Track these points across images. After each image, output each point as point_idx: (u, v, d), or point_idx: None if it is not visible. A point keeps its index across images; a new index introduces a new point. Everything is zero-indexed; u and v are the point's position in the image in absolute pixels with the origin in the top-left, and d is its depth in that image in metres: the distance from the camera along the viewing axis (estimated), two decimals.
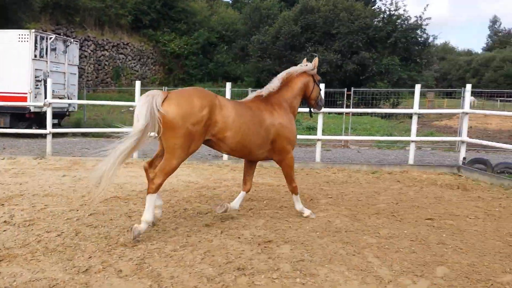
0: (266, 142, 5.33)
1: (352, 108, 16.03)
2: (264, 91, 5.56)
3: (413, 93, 10.33)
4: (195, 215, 5.91)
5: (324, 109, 9.99)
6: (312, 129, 17.04)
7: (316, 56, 6.07)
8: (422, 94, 25.49)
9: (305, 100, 6.09)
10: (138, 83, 10.41)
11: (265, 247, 4.67)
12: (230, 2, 50.31)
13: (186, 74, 35.18)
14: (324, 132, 18.31)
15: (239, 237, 5.00)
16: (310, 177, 8.91)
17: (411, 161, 10.10)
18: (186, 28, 35.16)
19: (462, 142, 10.24)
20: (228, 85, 10.64)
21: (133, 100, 11.08)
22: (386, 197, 7.19)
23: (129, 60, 33.19)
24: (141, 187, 7.28)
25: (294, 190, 5.79)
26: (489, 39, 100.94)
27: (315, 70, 5.95)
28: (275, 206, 6.54)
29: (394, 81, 28.44)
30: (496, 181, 8.51)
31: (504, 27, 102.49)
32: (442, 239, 5.10)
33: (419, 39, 30.80)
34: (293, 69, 5.81)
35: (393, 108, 26.73)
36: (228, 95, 10.47)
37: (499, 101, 33.08)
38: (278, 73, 5.88)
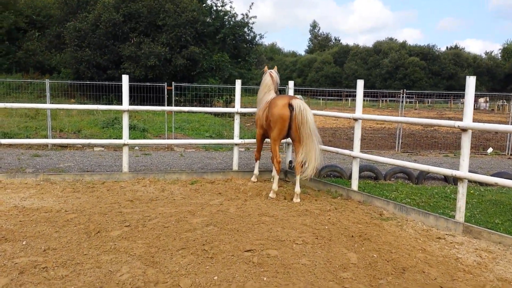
0: None
1: (180, 105, 14.28)
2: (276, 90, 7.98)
3: (245, 90, 9.17)
4: None
5: (130, 107, 8.16)
6: (133, 129, 14.91)
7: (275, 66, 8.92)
8: (255, 92, 25.15)
9: None
10: None
11: None
12: None
13: None
14: (147, 133, 16.40)
15: None
16: (110, 194, 6.93)
17: (235, 167, 8.86)
18: None
19: (288, 144, 9.37)
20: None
21: None
22: (201, 219, 5.67)
23: None
24: None
25: None
26: (310, 42, 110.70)
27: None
28: (38, 249, 4.48)
29: (225, 78, 27.73)
30: (323, 187, 7.74)
31: (323, 32, 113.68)
32: (262, 287, 3.74)
33: (247, 37, 30.78)
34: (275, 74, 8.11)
35: (226, 105, 26.09)
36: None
37: (321, 99, 35.36)
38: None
